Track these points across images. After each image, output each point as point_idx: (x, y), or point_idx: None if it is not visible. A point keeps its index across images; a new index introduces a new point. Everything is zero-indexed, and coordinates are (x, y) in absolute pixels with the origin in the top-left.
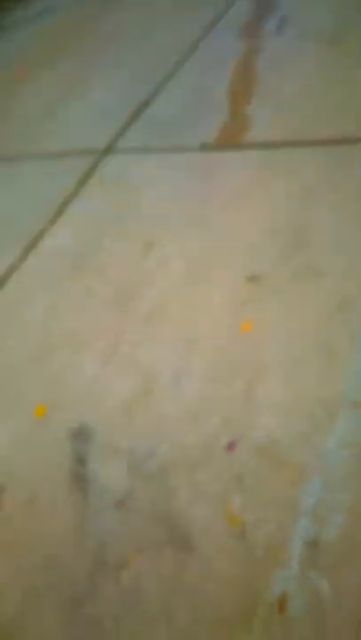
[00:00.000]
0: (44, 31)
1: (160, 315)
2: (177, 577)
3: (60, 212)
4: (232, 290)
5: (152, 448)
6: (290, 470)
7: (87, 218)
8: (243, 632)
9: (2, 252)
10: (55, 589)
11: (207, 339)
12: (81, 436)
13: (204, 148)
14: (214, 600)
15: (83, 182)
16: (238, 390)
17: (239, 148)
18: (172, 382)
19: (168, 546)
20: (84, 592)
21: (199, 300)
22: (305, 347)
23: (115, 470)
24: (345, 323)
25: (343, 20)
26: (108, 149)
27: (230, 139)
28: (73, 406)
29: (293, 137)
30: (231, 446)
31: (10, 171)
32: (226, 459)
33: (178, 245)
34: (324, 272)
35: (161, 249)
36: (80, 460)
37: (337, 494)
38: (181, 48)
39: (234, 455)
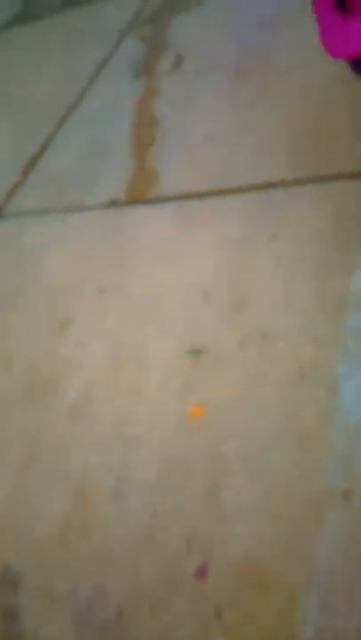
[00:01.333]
0: None
1: (87, 408)
2: None
3: None
4: (172, 368)
5: (99, 588)
6: (278, 593)
7: None
8: None
9: None
10: None
11: (150, 433)
12: (5, 582)
13: (114, 204)
14: None
15: None
16: (199, 495)
17: (153, 202)
18: (114, 495)
19: None
20: None
21: (133, 386)
22: (270, 429)
23: (56, 626)
24: (310, 394)
25: (244, 48)
26: None
27: (141, 192)
28: None
29: (212, 185)
30: (201, 572)
31: None
32: (197, 589)
33: (98, 320)
34: (273, 335)
35: (78, 326)
36: (11, 617)
37: (339, 619)
38: (71, 91)
39: (206, 583)
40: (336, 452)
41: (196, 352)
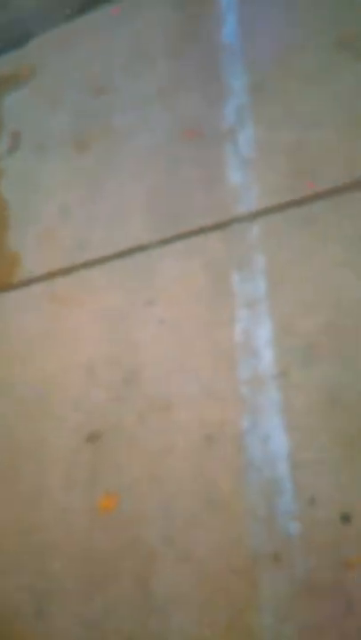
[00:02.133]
0: None
1: None
2: None
3: None
4: (74, 461)
5: None
6: None
7: None
8: None
9: None
10: None
11: (63, 537)
12: None
13: None
14: None
15: None
16: (130, 592)
17: (20, 286)
18: (37, 615)
19: None
20: None
21: (35, 489)
22: (187, 503)
23: None
24: (220, 456)
25: (83, 115)
26: None
27: (6, 277)
28: None
29: (77, 259)
30: None
31: None
32: None
33: None
34: (172, 402)
35: None
36: None
37: None
38: None
39: None
40: (257, 514)
41: (95, 437)
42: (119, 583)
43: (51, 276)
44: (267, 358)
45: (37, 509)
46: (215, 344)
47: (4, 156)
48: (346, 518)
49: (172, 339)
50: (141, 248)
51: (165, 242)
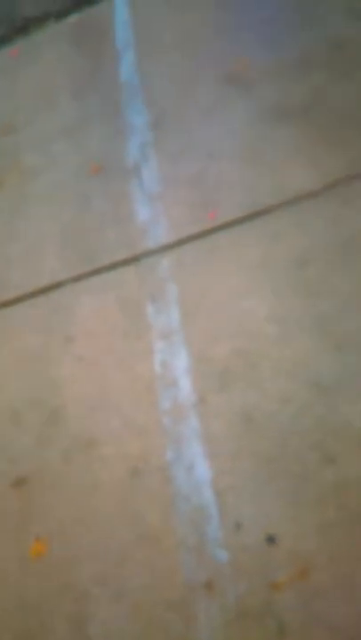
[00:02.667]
0: None
1: None
2: None
3: None
4: (0, 508)
5: None
6: None
7: None
8: None
9: None
10: None
11: None
12: None
13: None
14: None
15: None
16: (63, 636)
17: None
18: None
19: None
20: None
21: None
22: (118, 540)
23: None
24: (147, 489)
25: None
26: None
27: None
28: None
29: None
30: None
31: None
32: None
33: None
34: (96, 439)
35: None
36: None
37: None
38: None
39: None
40: (187, 544)
41: (21, 482)
42: (55, 630)
43: None
44: (185, 387)
45: None
46: (134, 377)
47: None
48: (271, 540)
49: (92, 375)
50: (58, 285)
51: (80, 278)
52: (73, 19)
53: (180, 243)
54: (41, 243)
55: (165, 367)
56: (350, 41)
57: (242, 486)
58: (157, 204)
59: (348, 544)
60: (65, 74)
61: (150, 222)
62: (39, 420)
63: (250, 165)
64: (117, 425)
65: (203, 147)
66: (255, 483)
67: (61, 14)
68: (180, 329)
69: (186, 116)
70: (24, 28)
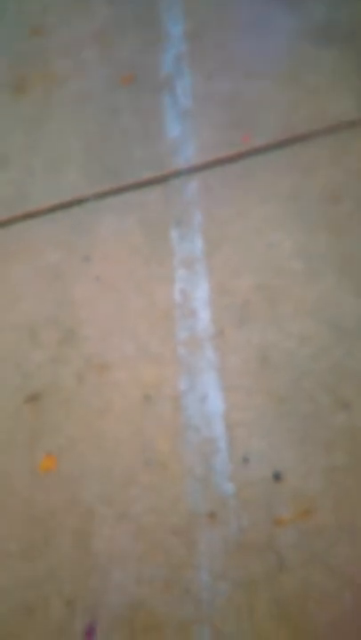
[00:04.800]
0: None
1: None
2: None
3: None
4: (13, 421)
5: None
6: (170, 632)
7: None
8: None
9: None
10: None
11: (3, 497)
12: None
13: None
14: None
15: None
16: (71, 553)
17: None
18: None
19: None
20: None
21: None
22: (125, 463)
23: None
24: (158, 416)
25: (19, 59)
26: None
27: None
28: None
29: (13, 211)
30: (90, 632)
31: None
32: None
33: None
34: (111, 362)
35: None
36: None
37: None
38: None
39: None
40: (194, 473)
41: (34, 397)
42: (60, 543)
43: None
44: (204, 319)
45: None
46: (153, 304)
47: None
48: (277, 477)
49: (109, 297)
50: (80, 202)
51: (103, 196)
52: None
53: (210, 165)
54: (65, 156)
55: (185, 296)
56: None
57: (253, 422)
58: (189, 122)
59: (354, 489)
60: None
61: (180, 141)
62: (55, 338)
63: (289, 88)
64: (132, 350)
65: (241, 64)
66: (266, 420)
67: None
68: (203, 258)
69: (226, 30)
70: None
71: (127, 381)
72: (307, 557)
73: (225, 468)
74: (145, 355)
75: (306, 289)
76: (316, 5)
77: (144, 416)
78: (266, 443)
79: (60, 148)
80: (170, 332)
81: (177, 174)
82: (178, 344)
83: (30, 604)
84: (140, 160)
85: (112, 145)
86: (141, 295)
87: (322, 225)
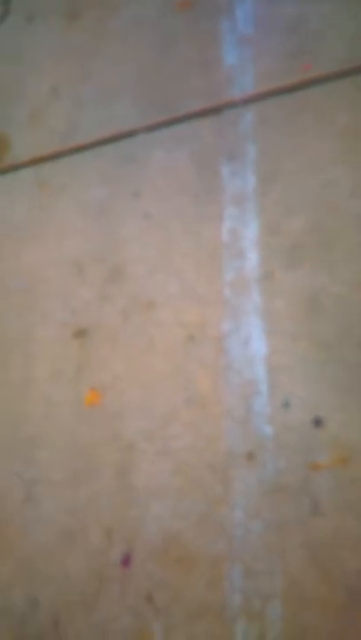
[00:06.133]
0: None
1: None
2: None
3: None
4: (60, 355)
5: (31, 598)
6: (203, 566)
7: None
8: None
9: None
10: None
11: (49, 429)
12: None
13: None
14: None
15: None
16: (111, 484)
17: (7, 171)
18: (26, 500)
19: None
20: None
21: (23, 381)
22: (167, 401)
23: None
24: (200, 357)
25: None
26: None
27: None
28: None
29: (64, 144)
30: (126, 560)
31: None
32: (125, 578)
33: None
34: (156, 301)
35: None
36: None
37: (264, 582)
38: None
39: (133, 570)
40: (233, 414)
41: (81, 333)
42: (101, 475)
43: (39, 161)
44: (252, 259)
45: (26, 400)
46: (200, 243)
47: None
48: (317, 422)
49: (156, 235)
50: (130, 134)
51: (155, 128)
52: None
53: (267, 95)
54: (116, 85)
55: (234, 236)
56: None
57: (296, 367)
58: (247, 49)
59: None
60: None
61: (238, 69)
62: (102, 275)
63: (357, 14)
64: (177, 290)
65: None
66: (310, 365)
67: None
68: (255, 196)
69: None
70: None
71: (172, 321)
72: (341, 504)
73: (264, 410)
74: (190, 294)
75: None
76: None
77: (187, 356)
78: (308, 389)
79: (112, 77)
80: (216, 273)
81: (232, 105)
82: (224, 285)
83: (71, 531)
84: (195, 90)
85: (165, 74)
86: (189, 233)
87: None
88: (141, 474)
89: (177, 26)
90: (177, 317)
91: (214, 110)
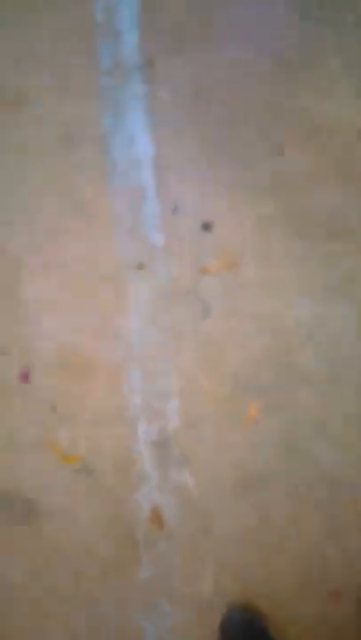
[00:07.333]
0: None
1: None
2: None
3: None
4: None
5: None
6: (102, 373)
7: None
8: None
9: None
10: None
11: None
12: None
13: None
14: None
15: None
16: None
17: None
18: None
19: None
20: None
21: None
22: (51, 212)
23: None
24: (78, 158)
25: None
26: None
27: None
28: None
29: None
30: (24, 377)
31: None
32: (26, 393)
33: None
34: (25, 97)
35: None
36: None
37: (160, 379)
38: None
39: (33, 385)
40: (122, 223)
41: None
42: None
43: None
44: (130, 43)
45: None
46: (71, 23)
47: None
48: (206, 227)
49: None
50: None
51: None
52: None
53: None
54: None
55: (108, 15)
56: None
57: (184, 168)
58: None
59: (277, 244)
60: None
61: None
62: None
63: None
64: (49, 82)
65: None
66: (197, 167)
67: None
68: None
69: None
70: None
71: (43, 119)
72: (229, 309)
73: (154, 217)
74: (64, 88)
75: None
76: None
77: (66, 159)
78: (197, 192)
79: None
80: (92, 61)
81: None
82: (101, 74)
83: None
84: None
85: None
86: (58, 12)
87: None
88: (31, 289)
89: None
90: (50, 114)
91: None
